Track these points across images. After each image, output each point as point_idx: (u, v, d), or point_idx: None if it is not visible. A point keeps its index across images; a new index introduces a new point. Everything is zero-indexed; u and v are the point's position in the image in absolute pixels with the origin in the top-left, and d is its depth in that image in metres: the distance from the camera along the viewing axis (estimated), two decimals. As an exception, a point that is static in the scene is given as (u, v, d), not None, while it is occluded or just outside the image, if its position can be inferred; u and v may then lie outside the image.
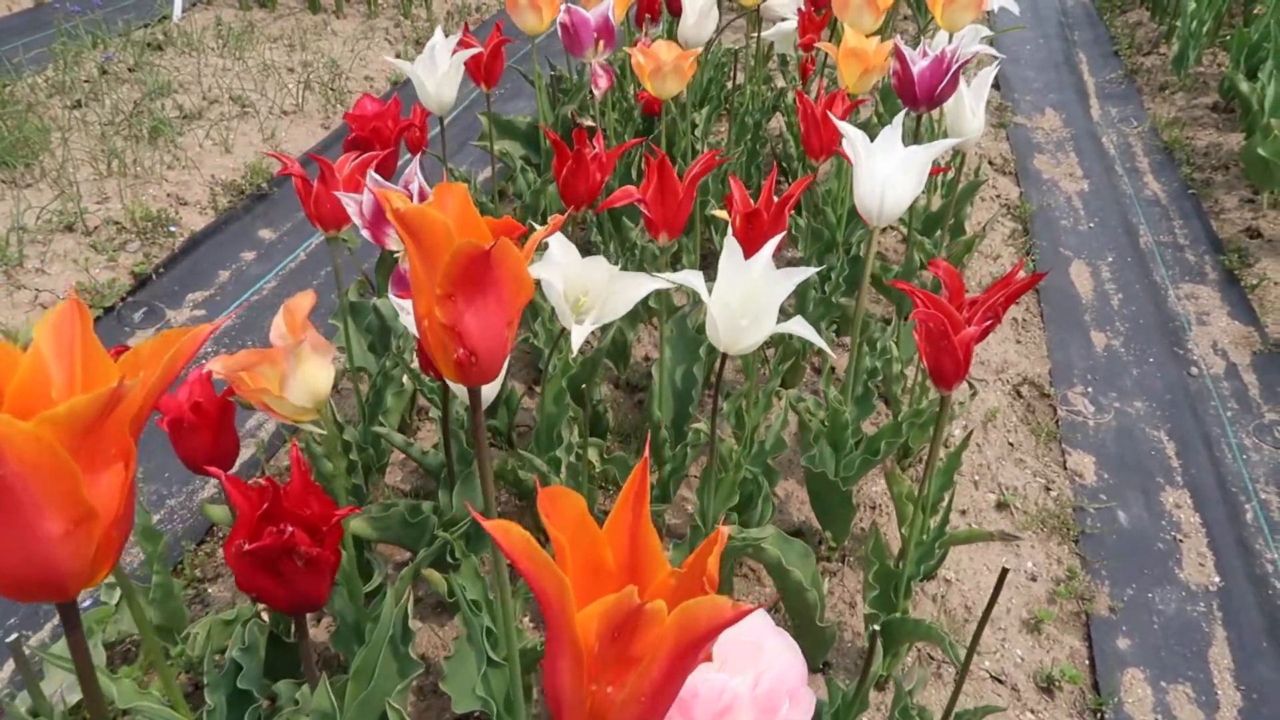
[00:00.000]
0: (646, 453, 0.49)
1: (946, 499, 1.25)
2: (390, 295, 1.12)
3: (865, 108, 2.46)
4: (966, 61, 1.38)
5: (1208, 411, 1.72)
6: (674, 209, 1.09)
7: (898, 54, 1.37)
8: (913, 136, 1.47)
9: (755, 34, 2.21)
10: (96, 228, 2.05)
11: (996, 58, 2.03)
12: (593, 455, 1.24)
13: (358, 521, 1.07)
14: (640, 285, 1.01)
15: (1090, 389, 1.77)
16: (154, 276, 1.97)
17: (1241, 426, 1.69)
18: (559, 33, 1.49)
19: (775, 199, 1.12)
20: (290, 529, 0.67)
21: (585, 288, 1.03)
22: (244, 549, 0.66)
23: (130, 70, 2.87)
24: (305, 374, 0.84)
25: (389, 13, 3.60)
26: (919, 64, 1.36)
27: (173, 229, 2.05)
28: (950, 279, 1.08)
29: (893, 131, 1.13)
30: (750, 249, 1.11)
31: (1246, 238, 2.23)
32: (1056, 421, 1.67)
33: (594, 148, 1.27)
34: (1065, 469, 1.57)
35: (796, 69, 2.27)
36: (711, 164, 1.11)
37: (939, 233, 1.90)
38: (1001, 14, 2.46)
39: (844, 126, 1.13)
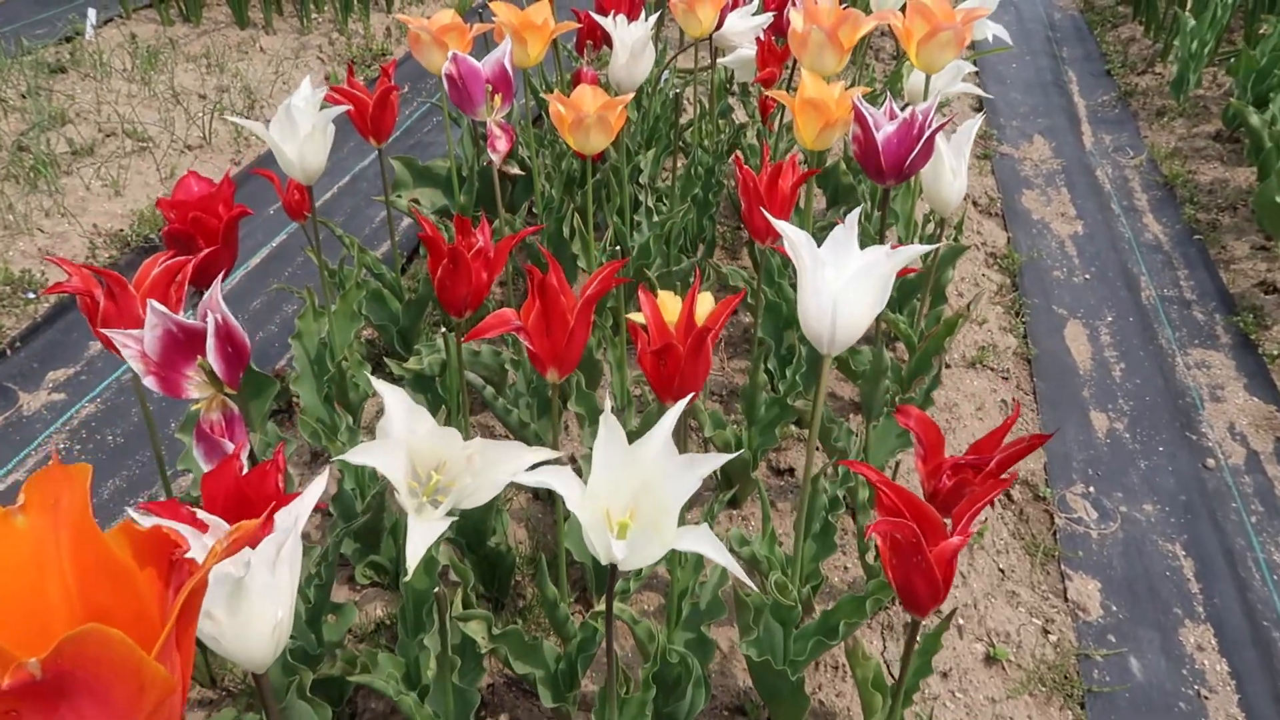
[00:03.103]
0: None
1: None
2: (196, 456, 0.85)
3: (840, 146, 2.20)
4: (944, 124, 1.13)
5: (1229, 516, 1.48)
6: (563, 340, 0.83)
7: (857, 115, 1.11)
8: (878, 206, 1.22)
9: (710, 64, 1.94)
10: (-57, 294, 1.77)
11: (983, 99, 1.78)
12: (477, 631, 0.98)
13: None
14: (512, 462, 0.75)
15: (1092, 488, 1.52)
16: (8, 352, 1.69)
17: (1269, 536, 1.44)
18: (445, 85, 1.23)
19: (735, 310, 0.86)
20: None
21: (440, 461, 0.77)
22: None
23: (23, 97, 2.57)
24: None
25: (324, 28, 3.32)
26: (884, 128, 1.10)
27: (30, 295, 1.77)
28: (925, 433, 0.83)
29: (846, 233, 0.87)
30: (666, 390, 0.86)
31: (1261, 293, 1.99)
32: (1054, 534, 1.42)
33: (478, 240, 1.01)
34: (1066, 600, 1.31)
35: (757, 101, 2.01)
36: (610, 282, 0.84)
37: (916, 299, 1.65)
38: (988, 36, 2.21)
39: (783, 227, 0.87)
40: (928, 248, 0.85)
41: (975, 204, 2.34)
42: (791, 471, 1.46)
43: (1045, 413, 1.67)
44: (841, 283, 0.85)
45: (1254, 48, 2.57)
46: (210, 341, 0.80)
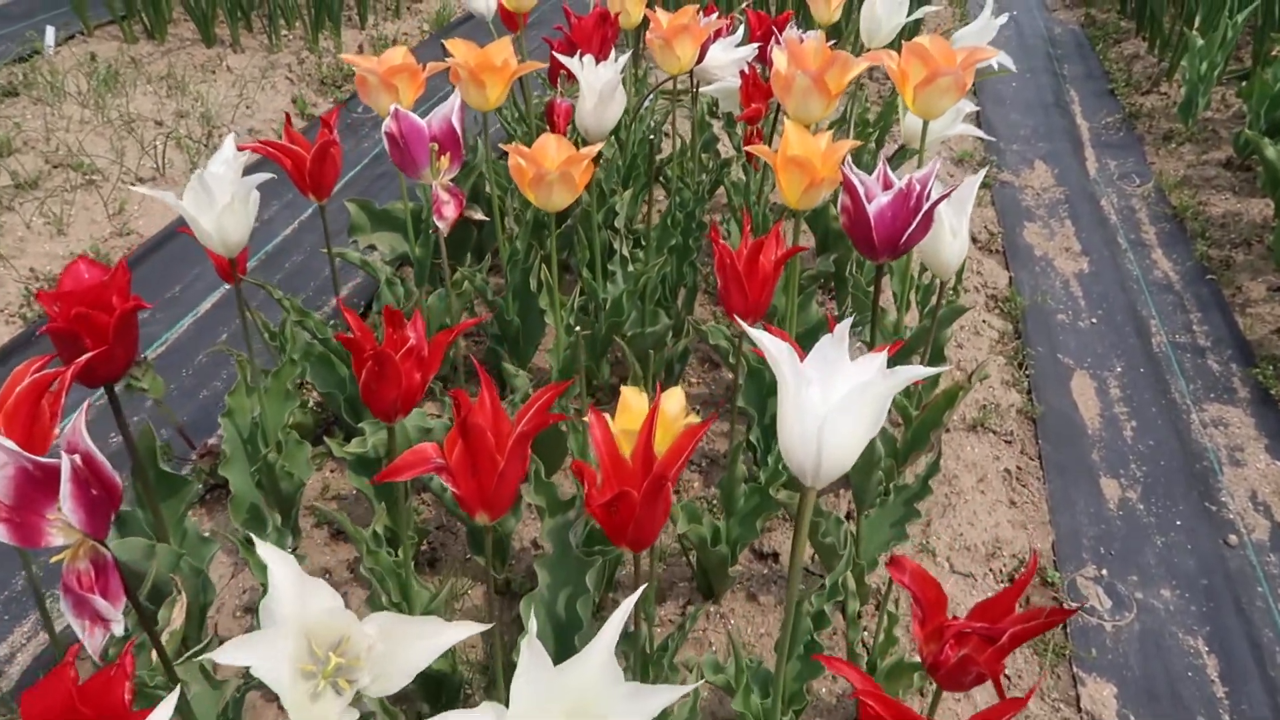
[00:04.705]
0: None
1: None
2: (64, 612, 0.72)
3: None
4: (946, 195, 1.00)
5: (1254, 603, 1.35)
6: (492, 480, 0.70)
7: (846, 185, 0.98)
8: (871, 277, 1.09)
9: (692, 91, 1.81)
10: None
11: (982, 129, 1.65)
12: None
13: None
14: (427, 641, 0.63)
15: (1105, 571, 1.39)
16: (-73, 416, 1.55)
17: (1300, 628, 1.31)
18: (385, 144, 1.10)
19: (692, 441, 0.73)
20: None
21: (340, 638, 0.64)
22: None
23: (-31, 124, 2.44)
24: None
25: (294, 45, 3.18)
26: (877, 199, 0.97)
27: (-49, 354, 1.64)
28: (922, 590, 0.70)
29: (835, 346, 0.74)
30: (618, 537, 0.73)
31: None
32: (1065, 627, 1.29)
33: (410, 336, 0.88)
34: (1079, 710, 1.19)
35: (741, 135, 1.88)
36: (545, 418, 0.71)
37: (914, 358, 1.52)
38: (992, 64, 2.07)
39: (760, 337, 0.73)
40: (931, 370, 0.71)
41: (975, 239, 2.21)
42: (776, 556, 1.33)
43: (1053, 481, 1.54)
44: (829, 407, 0.72)
45: (1265, 68, 2.45)
46: (66, 488, 0.66)
